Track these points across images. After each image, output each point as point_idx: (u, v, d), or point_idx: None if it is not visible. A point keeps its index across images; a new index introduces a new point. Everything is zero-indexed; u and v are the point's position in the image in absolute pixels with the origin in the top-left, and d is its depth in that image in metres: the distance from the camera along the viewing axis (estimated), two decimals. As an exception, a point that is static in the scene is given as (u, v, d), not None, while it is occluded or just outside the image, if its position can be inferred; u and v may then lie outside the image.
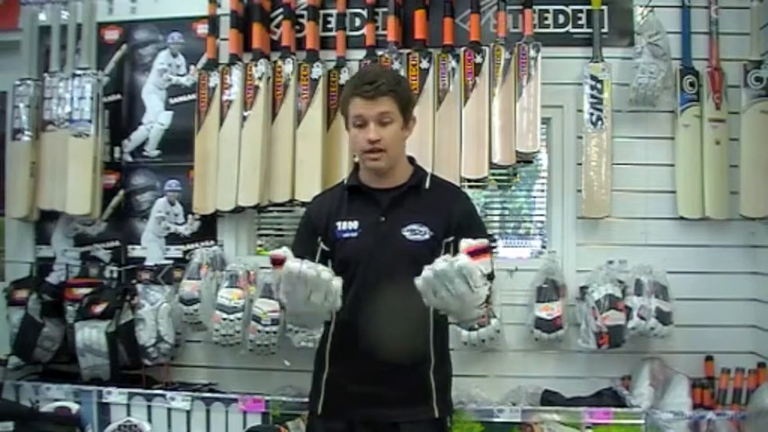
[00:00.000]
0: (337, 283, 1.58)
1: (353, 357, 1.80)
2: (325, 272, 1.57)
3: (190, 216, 2.83)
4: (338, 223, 1.86)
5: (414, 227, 1.82)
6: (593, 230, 2.68)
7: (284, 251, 1.59)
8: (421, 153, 2.33)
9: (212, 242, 2.81)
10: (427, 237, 1.82)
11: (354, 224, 1.85)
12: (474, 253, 1.56)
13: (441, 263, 1.53)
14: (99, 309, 2.59)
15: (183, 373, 2.77)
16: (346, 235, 1.84)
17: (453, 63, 2.62)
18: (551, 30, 2.72)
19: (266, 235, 3.01)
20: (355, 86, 1.81)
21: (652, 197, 2.67)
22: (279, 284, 1.61)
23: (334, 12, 2.77)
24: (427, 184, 1.91)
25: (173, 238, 2.85)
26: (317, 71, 2.67)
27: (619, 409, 2.33)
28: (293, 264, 1.55)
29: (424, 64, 2.62)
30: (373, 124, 1.78)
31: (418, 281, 1.54)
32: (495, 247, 2.87)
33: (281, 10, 2.76)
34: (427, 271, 1.53)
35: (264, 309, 2.50)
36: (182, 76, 2.87)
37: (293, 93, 2.67)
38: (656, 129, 2.68)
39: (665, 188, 2.66)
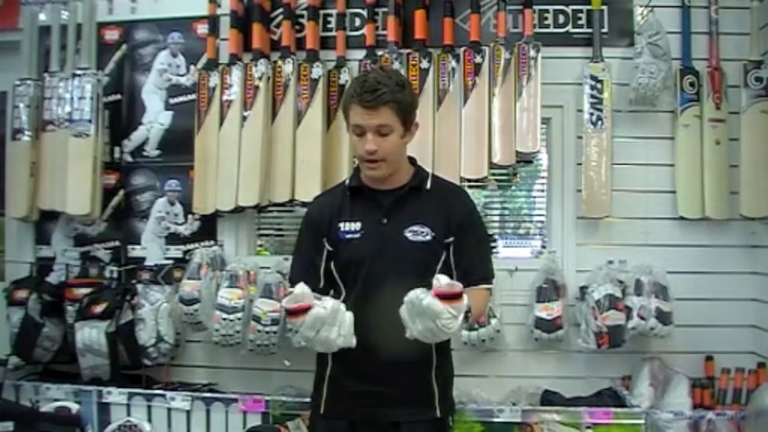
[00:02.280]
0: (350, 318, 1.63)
1: (356, 357, 1.78)
2: (342, 308, 1.63)
3: (190, 216, 2.83)
4: (341, 224, 1.86)
5: (416, 228, 1.82)
6: (593, 230, 2.68)
7: (302, 293, 1.59)
8: (421, 153, 2.33)
9: (212, 242, 2.81)
10: (429, 238, 1.82)
11: (357, 225, 1.85)
12: (444, 297, 1.53)
13: (411, 293, 1.55)
14: (99, 309, 2.59)
15: (182, 373, 2.77)
16: (349, 236, 1.85)
17: (453, 63, 2.62)
18: (551, 30, 2.72)
19: (266, 235, 3.02)
20: (356, 93, 1.77)
21: (652, 197, 2.67)
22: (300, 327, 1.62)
23: (334, 12, 2.77)
24: (428, 185, 1.90)
25: (173, 238, 2.85)
26: (316, 71, 2.67)
27: (619, 409, 2.33)
28: (320, 310, 1.58)
29: (424, 64, 2.62)
30: (371, 135, 1.76)
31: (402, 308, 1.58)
32: (494, 248, 2.88)
33: (281, 10, 2.76)
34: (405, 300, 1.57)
35: (264, 309, 2.50)
36: (182, 76, 2.87)
37: (293, 93, 2.67)
38: (656, 129, 2.68)
39: (665, 188, 2.66)
